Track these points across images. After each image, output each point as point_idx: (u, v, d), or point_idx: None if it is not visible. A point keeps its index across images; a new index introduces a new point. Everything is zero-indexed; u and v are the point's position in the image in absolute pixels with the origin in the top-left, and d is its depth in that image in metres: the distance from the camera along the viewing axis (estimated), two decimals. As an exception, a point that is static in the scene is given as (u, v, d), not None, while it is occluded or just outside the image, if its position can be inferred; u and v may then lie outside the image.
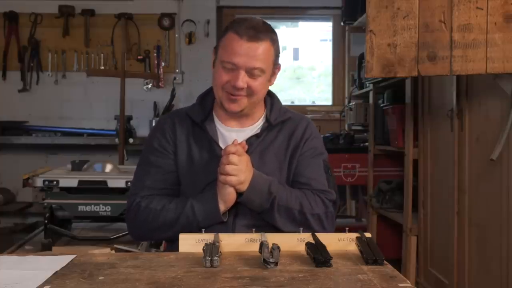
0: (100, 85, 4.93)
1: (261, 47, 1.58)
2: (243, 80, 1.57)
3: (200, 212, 1.56)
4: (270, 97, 1.75)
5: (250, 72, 1.58)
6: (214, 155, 1.62)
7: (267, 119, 1.70)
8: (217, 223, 1.57)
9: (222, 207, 1.56)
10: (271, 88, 1.74)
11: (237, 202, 1.58)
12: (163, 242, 2.80)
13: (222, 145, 1.63)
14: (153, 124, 4.75)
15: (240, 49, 1.56)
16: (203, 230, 1.37)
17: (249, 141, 1.64)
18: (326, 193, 1.65)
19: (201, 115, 1.69)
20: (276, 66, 1.67)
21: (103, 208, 2.84)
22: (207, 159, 1.64)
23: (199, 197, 1.59)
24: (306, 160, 1.69)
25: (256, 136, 1.67)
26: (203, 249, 1.24)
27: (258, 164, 1.62)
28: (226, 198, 1.55)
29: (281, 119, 1.71)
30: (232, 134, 1.67)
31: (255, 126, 1.70)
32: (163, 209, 1.59)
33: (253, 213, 1.60)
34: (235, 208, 1.60)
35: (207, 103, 1.72)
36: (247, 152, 1.59)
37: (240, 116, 1.68)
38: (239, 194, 1.56)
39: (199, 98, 1.75)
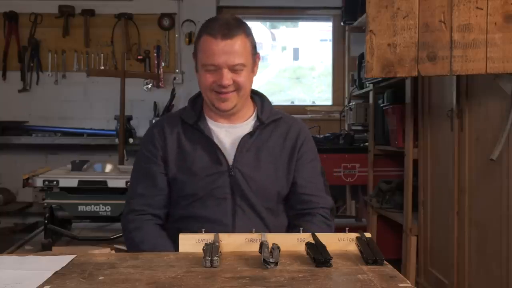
0: (100, 85, 4.93)
1: (237, 43, 1.61)
2: (227, 77, 1.62)
3: None
4: (260, 97, 1.80)
5: (233, 69, 1.62)
6: (212, 150, 1.68)
7: (258, 118, 1.74)
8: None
9: None
10: (262, 88, 1.77)
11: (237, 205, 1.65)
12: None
13: (216, 141, 1.69)
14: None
15: (217, 49, 1.60)
16: (203, 230, 1.37)
17: (242, 140, 1.69)
18: (325, 209, 1.72)
19: (194, 116, 1.74)
20: (255, 56, 1.71)
21: (103, 208, 2.84)
22: (202, 154, 1.68)
23: None
24: (305, 167, 1.74)
25: (250, 134, 1.70)
26: (203, 249, 1.24)
27: (253, 163, 1.68)
28: None
29: (273, 118, 1.76)
30: (223, 130, 1.72)
31: (246, 124, 1.74)
32: (140, 245, 1.63)
33: (252, 217, 1.65)
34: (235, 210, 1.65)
35: (197, 105, 1.77)
36: (241, 151, 1.67)
37: (231, 115, 1.72)
38: None
39: (190, 101, 1.80)
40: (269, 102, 1.80)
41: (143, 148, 1.78)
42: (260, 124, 1.73)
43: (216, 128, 1.73)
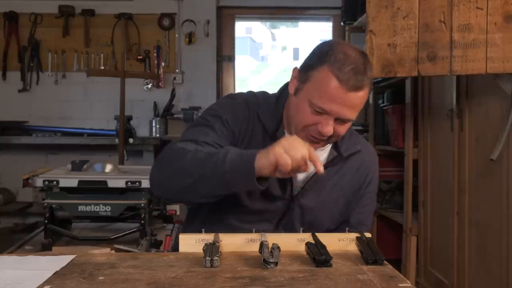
0: (100, 85, 4.93)
1: (360, 96, 1.41)
2: (331, 127, 1.42)
3: (231, 158, 1.32)
4: None
5: (340, 120, 1.43)
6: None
7: (336, 147, 1.56)
8: (246, 188, 1.38)
9: (260, 165, 1.28)
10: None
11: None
12: (163, 242, 2.80)
13: None
14: (154, 124, 4.74)
15: (340, 100, 1.38)
16: (203, 230, 1.36)
17: (315, 175, 1.51)
18: None
19: (274, 124, 1.53)
20: None
21: (103, 208, 2.83)
22: None
23: (240, 150, 1.37)
24: (362, 208, 1.65)
25: (324, 166, 1.48)
26: (203, 249, 1.24)
27: (316, 197, 1.56)
28: (268, 158, 1.27)
29: (352, 151, 1.58)
30: None
31: (323, 150, 1.56)
32: (196, 151, 1.38)
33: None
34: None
35: (278, 112, 1.54)
36: (309, 185, 1.53)
37: None
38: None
39: (274, 103, 1.56)
40: (350, 128, 1.56)
41: (223, 111, 1.52)
42: (337, 156, 1.55)
43: None
